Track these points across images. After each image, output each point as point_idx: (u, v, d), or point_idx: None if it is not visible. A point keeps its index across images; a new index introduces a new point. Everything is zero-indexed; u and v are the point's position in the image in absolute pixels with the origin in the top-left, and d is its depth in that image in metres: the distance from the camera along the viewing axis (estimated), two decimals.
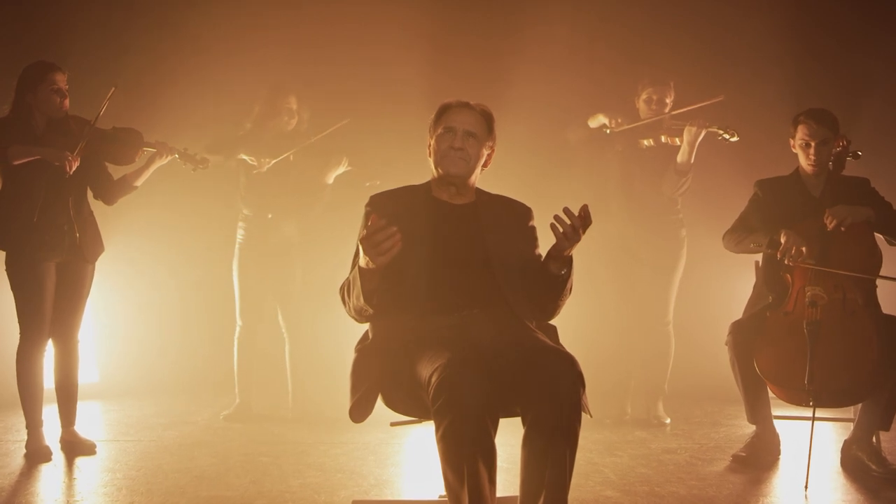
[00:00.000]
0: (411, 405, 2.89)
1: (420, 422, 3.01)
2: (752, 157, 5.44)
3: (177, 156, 4.59)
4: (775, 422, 4.25)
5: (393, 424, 3.07)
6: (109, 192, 4.54)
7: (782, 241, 4.00)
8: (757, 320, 4.12)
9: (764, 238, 4.11)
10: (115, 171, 4.57)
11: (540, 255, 3.15)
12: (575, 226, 2.76)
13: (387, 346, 2.89)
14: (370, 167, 5.23)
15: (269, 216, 5.23)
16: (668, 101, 5.03)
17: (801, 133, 4.19)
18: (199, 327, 6.24)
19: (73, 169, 4.20)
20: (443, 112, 3.06)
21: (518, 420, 2.75)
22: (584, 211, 2.76)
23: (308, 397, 5.28)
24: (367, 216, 3.05)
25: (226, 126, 5.29)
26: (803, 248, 3.95)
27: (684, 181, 4.99)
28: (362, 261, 2.71)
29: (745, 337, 4.09)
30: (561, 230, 2.76)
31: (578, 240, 2.79)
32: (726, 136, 4.82)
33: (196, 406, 5.66)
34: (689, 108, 4.91)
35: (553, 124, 5.56)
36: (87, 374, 5.89)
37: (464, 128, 3.01)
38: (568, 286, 2.96)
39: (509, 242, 3.08)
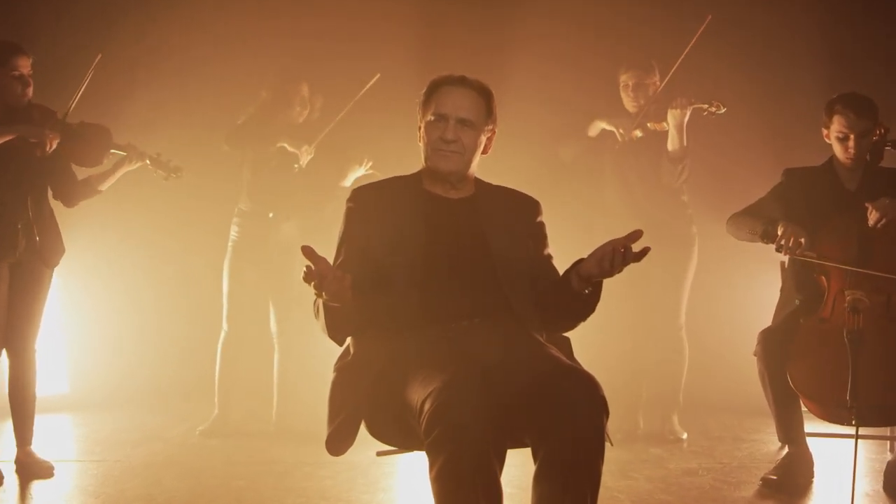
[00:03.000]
0: (401, 435, 2.45)
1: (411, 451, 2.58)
2: (773, 145, 5.04)
3: (148, 161, 4.21)
4: (808, 440, 3.82)
5: (380, 454, 2.64)
6: (71, 192, 4.13)
7: (779, 232, 3.62)
8: (789, 328, 3.69)
9: (760, 227, 3.73)
10: (79, 172, 4.18)
11: (550, 256, 2.73)
12: (627, 258, 2.36)
13: (371, 365, 2.45)
14: (389, 168, 4.81)
15: (271, 215, 4.81)
16: (647, 83, 4.61)
17: (837, 124, 3.76)
18: (179, 333, 5.79)
19: (53, 148, 3.83)
20: (433, 91, 2.62)
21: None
22: (643, 251, 2.38)
23: (293, 410, 4.84)
24: (349, 213, 2.63)
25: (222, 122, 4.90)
26: (801, 240, 3.57)
27: (681, 168, 4.58)
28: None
29: (776, 347, 3.65)
30: (602, 257, 2.37)
31: (617, 272, 2.39)
32: (713, 110, 4.40)
33: (171, 419, 5.22)
34: (677, 62, 4.47)
35: (552, 117, 5.12)
36: (56, 384, 5.56)
37: (457, 115, 2.57)
38: (592, 309, 2.55)
39: (514, 241, 2.65)
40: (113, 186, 4.22)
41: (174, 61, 5.29)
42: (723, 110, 4.37)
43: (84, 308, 5.69)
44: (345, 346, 2.57)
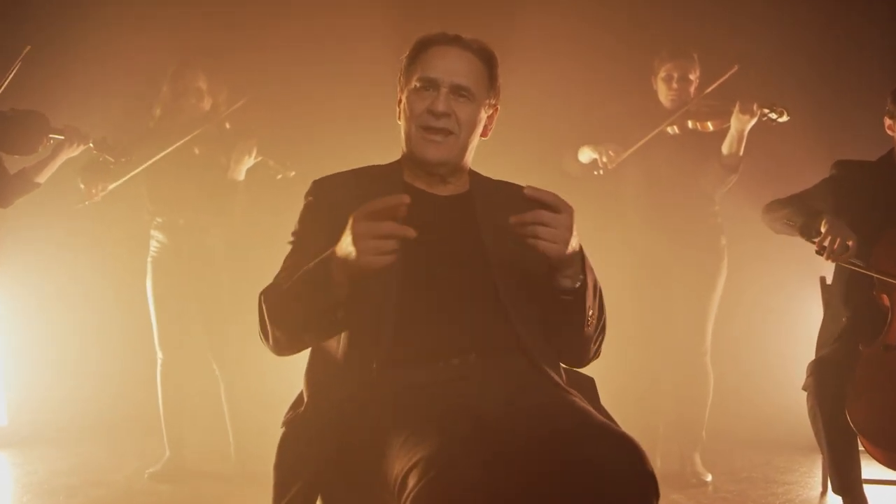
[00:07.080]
0: None
1: None
2: (818, 136, 4.48)
3: (91, 145, 3.72)
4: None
5: None
6: (5, 189, 3.60)
7: (822, 229, 3.02)
8: (847, 357, 3.07)
9: (800, 218, 3.16)
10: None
11: None
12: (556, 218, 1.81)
13: (333, 420, 1.81)
14: (289, 158, 4.23)
15: (181, 222, 4.18)
16: (691, 77, 4.05)
17: None
18: (134, 359, 5.13)
19: None
20: (420, 52, 2.02)
21: None
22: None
23: (254, 443, 4.18)
24: (306, 209, 2.03)
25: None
26: (849, 242, 2.99)
27: (733, 177, 3.99)
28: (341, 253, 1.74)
29: (832, 380, 3.02)
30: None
31: (567, 237, 1.81)
32: (773, 116, 3.82)
33: (119, 457, 4.58)
34: (710, 87, 3.95)
35: (552, 110, 4.61)
36: None
37: (452, 80, 1.97)
38: (589, 314, 1.92)
39: (521, 251, 2.02)
40: (55, 206, 3.75)
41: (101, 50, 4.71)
42: (784, 118, 3.81)
43: (22, 330, 5.11)
44: (298, 393, 1.94)
